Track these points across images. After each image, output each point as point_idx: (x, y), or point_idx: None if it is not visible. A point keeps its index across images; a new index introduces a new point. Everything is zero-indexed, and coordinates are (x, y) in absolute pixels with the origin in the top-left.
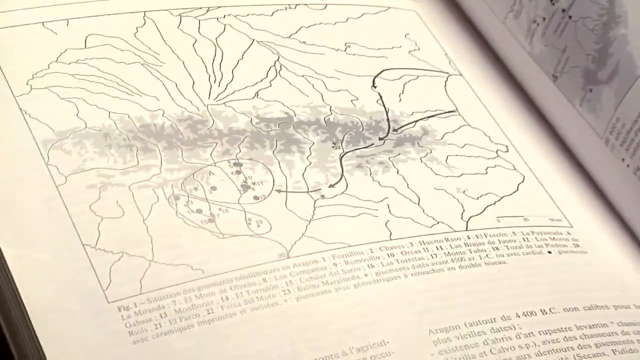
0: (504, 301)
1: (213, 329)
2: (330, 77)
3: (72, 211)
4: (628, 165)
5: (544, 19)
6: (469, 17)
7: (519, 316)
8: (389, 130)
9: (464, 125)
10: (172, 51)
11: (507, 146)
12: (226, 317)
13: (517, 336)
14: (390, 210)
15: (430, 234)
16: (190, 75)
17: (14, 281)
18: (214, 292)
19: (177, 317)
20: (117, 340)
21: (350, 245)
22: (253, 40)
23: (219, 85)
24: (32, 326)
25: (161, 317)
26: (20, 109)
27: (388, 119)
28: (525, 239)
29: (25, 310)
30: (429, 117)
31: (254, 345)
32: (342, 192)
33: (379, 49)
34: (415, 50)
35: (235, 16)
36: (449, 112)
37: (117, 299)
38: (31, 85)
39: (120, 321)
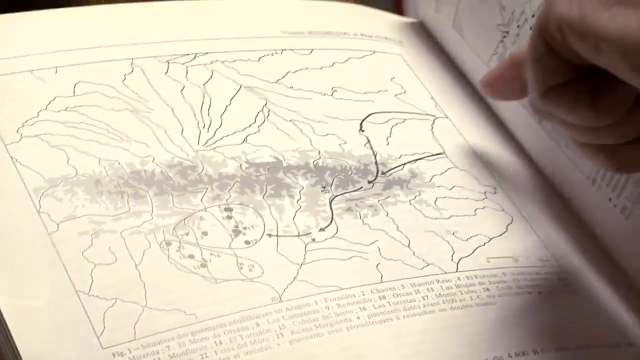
0: (496, 341)
1: None
2: (318, 122)
3: (64, 258)
4: (615, 205)
5: None
6: (453, 60)
7: (510, 356)
8: (377, 174)
9: (451, 168)
10: (161, 98)
11: (495, 188)
12: None
13: None
14: (380, 253)
15: (421, 275)
16: (179, 122)
17: (8, 329)
18: (208, 337)
19: None
20: None
21: (342, 289)
22: (240, 85)
23: (208, 131)
24: None
25: None
26: (11, 157)
27: (376, 162)
28: (516, 280)
29: (20, 358)
30: (416, 159)
31: None
32: (333, 236)
33: (365, 92)
34: (401, 93)
35: (222, 62)
36: (437, 154)
37: (111, 344)
38: (21, 134)
39: None
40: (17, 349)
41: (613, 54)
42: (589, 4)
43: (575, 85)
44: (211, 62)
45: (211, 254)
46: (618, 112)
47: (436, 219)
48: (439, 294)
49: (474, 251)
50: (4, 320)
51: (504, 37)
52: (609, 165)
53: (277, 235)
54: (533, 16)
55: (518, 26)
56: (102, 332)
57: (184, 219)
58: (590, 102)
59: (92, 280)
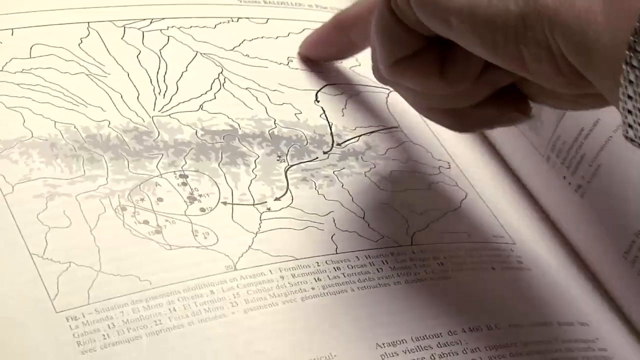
0: (450, 316)
1: (161, 340)
2: (274, 91)
3: (19, 221)
4: (569, 183)
5: None
6: None
7: (464, 331)
8: (332, 144)
9: (406, 142)
10: (117, 62)
11: (449, 163)
12: (174, 328)
13: (464, 351)
14: (335, 224)
15: (376, 248)
16: (135, 87)
17: None
18: (162, 303)
19: (125, 327)
20: (66, 350)
21: (297, 259)
22: (197, 52)
23: (164, 97)
24: None
25: (109, 327)
26: None
27: (332, 133)
28: (470, 255)
29: None
30: (371, 132)
31: (201, 356)
32: (288, 205)
33: (320, 64)
34: (356, 66)
35: (178, 28)
36: (392, 127)
37: (65, 308)
38: None
39: (68, 331)
40: None
41: (463, 29)
42: None
43: (424, 56)
44: (167, 28)
45: (166, 220)
46: (466, 82)
47: (391, 191)
48: (394, 267)
49: (428, 225)
50: None
51: None
52: (453, 127)
53: (232, 204)
54: None
55: None
56: (56, 295)
57: (140, 185)
58: (440, 72)
59: (47, 244)
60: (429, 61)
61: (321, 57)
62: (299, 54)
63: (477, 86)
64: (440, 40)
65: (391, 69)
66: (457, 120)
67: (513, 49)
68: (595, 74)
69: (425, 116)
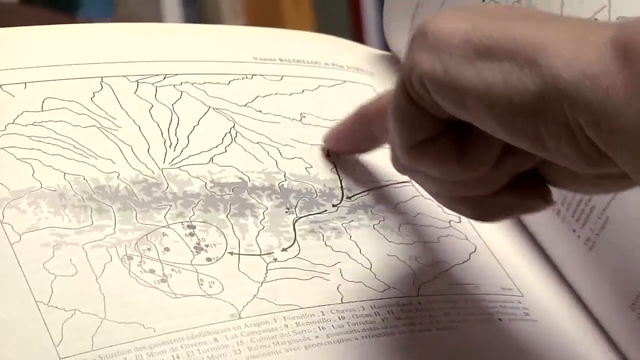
0: None
1: None
2: (285, 145)
3: (25, 269)
4: (579, 236)
5: None
6: None
7: None
8: (342, 198)
9: (417, 196)
10: (129, 116)
11: (459, 217)
12: None
13: None
14: (342, 275)
15: (382, 298)
16: (146, 140)
17: None
18: (165, 350)
19: None
20: None
21: (302, 308)
22: (209, 107)
23: (174, 150)
24: None
25: None
26: None
27: (342, 187)
28: (476, 306)
29: None
30: (382, 186)
31: None
32: (295, 256)
33: (334, 120)
34: None
35: (192, 84)
36: (402, 182)
37: (68, 355)
38: None
39: None
40: None
41: (479, 109)
42: (452, 58)
43: (442, 141)
44: (181, 83)
45: (172, 270)
46: (485, 166)
47: (399, 244)
48: (399, 316)
49: (435, 277)
50: None
51: None
52: (474, 216)
53: (239, 254)
54: None
55: None
56: (60, 342)
57: (147, 235)
58: (457, 157)
59: (52, 292)
60: (446, 145)
61: (343, 150)
62: (324, 149)
63: (495, 172)
64: (458, 124)
65: (408, 155)
66: (477, 210)
67: (532, 128)
68: (619, 152)
69: (445, 206)
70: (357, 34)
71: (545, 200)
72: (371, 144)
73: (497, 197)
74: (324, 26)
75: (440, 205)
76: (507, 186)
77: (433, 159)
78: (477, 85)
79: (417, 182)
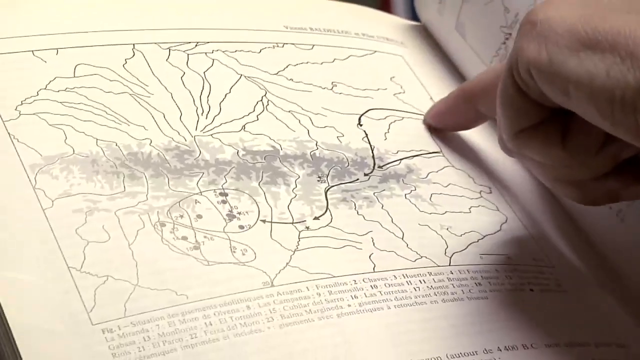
0: (486, 335)
1: (196, 353)
2: (317, 114)
3: (58, 234)
4: (610, 207)
5: None
6: (454, 62)
7: (500, 350)
8: (374, 167)
9: (448, 166)
10: (161, 83)
11: (490, 188)
12: (209, 342)
13: None
14: (374, 244)
15: (414, 267)
16: (178, 107)
17: None
18: (198, 317)
19: (160, 341)
20: None
21: (334, 276)
22: (241, 75)
23: (207, 118)
24: (16, 347)
25: (144, 340)
26: (9, 133)
27: (373, 156)
28: (508, 277)
29: (10, 332)
30: (413, 156)
31: None
32: (327, 225)
33: (364, 89)
34: (400, 93)
35: (223, 52)
36: (434, 152)
37: (101, 321)
38: (20, 111)
39: (104, 343)
40: (7, 322)
41: (581, 99)
42: (557, 48)
43: (547, 127)
44: (212, 51)
45: (205, 237)
46: (589, 153)
47: (431, 213)
48: (431, 286)
49: (467, 247)
50: None
51: (507, 39)
52: (578, 199)
53: (271, 222)
54: None
55: None
56: (93, 308)
57: (179, 202)
58: (562, 143)
59: (85, 257)
60: (551, 132)
61: (447, 126)
62: (426, 123)
63: (599, 158)
64: (562, 112)
65: (514, 140)
66: (581, 193)
67: (631, 120)
68: None
69: (550, 187)
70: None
71: None
72: (476, 121)
73: (602, 181)
74: None
75: (549, 186)
76: (612, 171)
77: (538, 145)
78: (580, 76)
79: (524, 165)
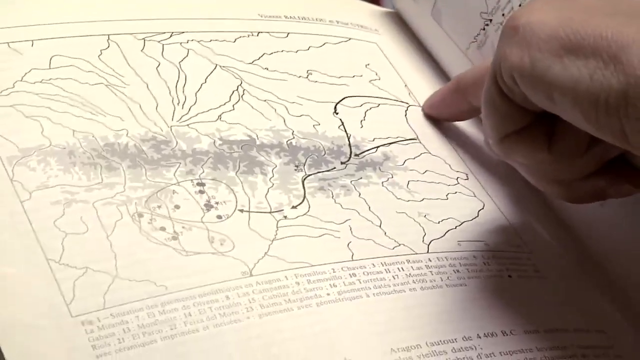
0: (465, 322)
1: (176, 344)
2: (292, 103)
3: (36, 226)
4: None
5: None
6: (429, 49)
7: (479, 337)
8: (350, 155)
9: (424, 153)
10: (136, 74)
11: (467, 174)
12: (189, 333)
13: (478, 356)
14: (352, 232)
15: (392, 255)
16: (154, 98)
17: None
18: (177, 308)
19: (140, 332)
20: (81, 354)
21: (313, 265)
22: (216, 65)
23: (183, 108)
24: None
25: (124, 332)
26: None
27: (350, 144)
28: (486, 263)
29: None
30: (390, 143)
31: None
32: (305, 214)
33: (340, 77)
34: (375, 79)
35: (198, 41)
36: (410, 139)
37: (80, 313)
38: None
39: (83, 335)
40: None
41: (566, 104)
42: (541, 53)
43: (532, 131)
44: (187, 41)
45: (183, 227)
46: (576, 154)
47: (408, 201)
48: (409, 273)
49: (445, 234)
50: None
51: (486, 25)
52: (564, 197)
53: (249, 211)
54: (520, 5)
55: (503, 14)
56: (72, 300)
57: (157, 192)
58: (548, 146)
59: (63, 249)
60: (537, 136)
61: (442, 117)
62: (422, 112)
63: (585, 159)
64: (547, 115)
65: (500, 145)
66: (568, 192)
67: (615, 123)
68: None
69: (537, 186)
70: None
71: (635, 185)
72: (468, 113)
73: (588, 181)
74: None
75: (535, 185)
76: (597, 170)
77: (524, 149)
78: (563, 81)
79: (510, 164)
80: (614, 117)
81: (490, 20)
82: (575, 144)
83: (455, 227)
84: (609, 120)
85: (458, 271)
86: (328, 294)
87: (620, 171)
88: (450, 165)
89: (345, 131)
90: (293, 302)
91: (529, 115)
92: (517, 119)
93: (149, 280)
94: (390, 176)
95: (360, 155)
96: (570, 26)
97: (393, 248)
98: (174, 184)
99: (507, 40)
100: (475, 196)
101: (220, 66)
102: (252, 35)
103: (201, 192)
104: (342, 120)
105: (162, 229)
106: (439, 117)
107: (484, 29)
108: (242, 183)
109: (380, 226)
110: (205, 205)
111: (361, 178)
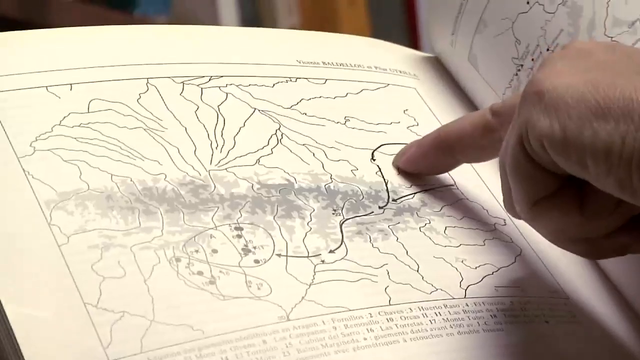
0: None
1: None
2: (331, 148)
3: (74, 270)
4: None
5: None
6: (467, 94)
7: None
8: (388, 200)
9: (462, 199)
10: (175, 117)
11: (504, 220)
12: None
13: None
14: (389, 276)
15: (429, 300)
16: (192, 141)
17: (15, 339)
18: (214, 352)
19: None
20: None
21: (350, 310)
22: (255, 109)
23: (221, 152)
24: None
25: None
26: (24, 169)
27: (387, 190)
28: (523, 308)
29: None
30: (427, 189)
31: None
32: (342, 258)
33: (378, 123)
34: (414, 125)
35: (237, 86)
36: (448, 185)
37: (118, 357)
38: (34, 147)
39: None
40: (23, 358)
41: (599, 170)
42: (570, 120)
43: (563, 195)
44: (226, 85)
45: (220, 272)
46: (606, 214)
47: (445, 246)
48: (447, 318)
49: (482, 279)
50: (12, 329)
51: (519, 70)
52: (588, 254)
53: (286, 256)
54: (548, 49)
55: (532, 59)
56: (109, 344)
57: (194, 236)
58: (579, 208)
59: (101, 293)
60: (568, 199)
61: (422, 172)
62: (395, 166)
63: (612, 216)
64: (577, 177)
65: (530, 212)
66: (591, 249)
67: None
68: None
69: (559, 246)
70: (411, 33)
71: None
72: (452, 166)
73: (612, 237)
74: (378, 25)
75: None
76: (621, 227)
77: (556, 213)
78: (596, 147)
79: (533, 228)
80: None
81: (522, 65)
82: (606, 204)
83: (492, 272)
84: None
85: (495, 316)
86: (365, 339)
87: None
88: (487, 211)
89: (383, 177)
90: (330, 347)
91: (559, 179)
92: (549, 184)
93: (186, 325)
94: (428, 222)
95: (398, 201)
96: (597, 89)
97: (430, 293)
98: (212, 228)
99: (532, 107)
100: (512, 242)
101: (259, 110)
102: (291, 80)
103: (239, 236)
104: (380, 167)
105: (200, 273)
106: (417, 172)
107: (516, 74)
108: (279, 227)
109: (417, 271)
110: (243, 249)
111: (399, 223)
